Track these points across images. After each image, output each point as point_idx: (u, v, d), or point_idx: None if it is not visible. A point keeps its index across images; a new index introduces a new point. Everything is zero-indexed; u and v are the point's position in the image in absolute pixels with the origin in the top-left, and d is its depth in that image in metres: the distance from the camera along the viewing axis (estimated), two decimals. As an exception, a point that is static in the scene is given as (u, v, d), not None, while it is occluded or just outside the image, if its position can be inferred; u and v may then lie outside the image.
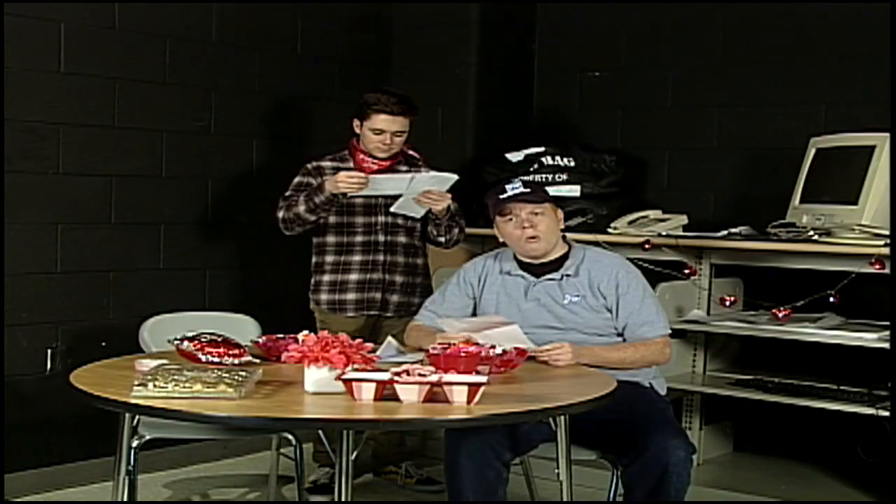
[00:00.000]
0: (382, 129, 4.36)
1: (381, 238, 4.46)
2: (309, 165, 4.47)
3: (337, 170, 4.36)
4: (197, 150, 5.01)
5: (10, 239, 4.41)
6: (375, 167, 4.41)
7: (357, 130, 4.43)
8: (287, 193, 4.42)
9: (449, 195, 4.32)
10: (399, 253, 4.49)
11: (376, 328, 4.46)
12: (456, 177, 4.29)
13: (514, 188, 3.69)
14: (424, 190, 4.26)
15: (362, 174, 4.23)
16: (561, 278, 3.68)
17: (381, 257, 4.46)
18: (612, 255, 3.82)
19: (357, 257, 4.45)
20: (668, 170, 5.39)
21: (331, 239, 4.46)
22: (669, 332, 3.70)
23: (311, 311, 4.55)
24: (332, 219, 4.42)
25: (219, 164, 5.09)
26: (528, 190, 3.71)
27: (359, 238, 4.44)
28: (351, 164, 4.43)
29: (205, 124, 5.03)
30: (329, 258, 4.47)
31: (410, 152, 4.56)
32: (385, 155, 4.42)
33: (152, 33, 4.80)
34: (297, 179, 4.46)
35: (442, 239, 4.50)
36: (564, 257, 3.73)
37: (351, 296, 4.45)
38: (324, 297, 4.48)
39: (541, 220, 3.67)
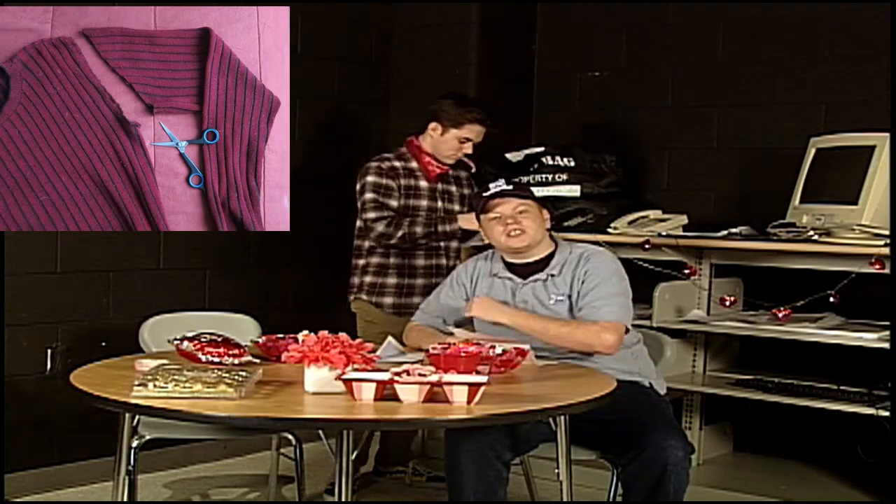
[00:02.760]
0: (469, 139, 4.43)
1: (443, 242, 4.50)
2: (383, 165, 4.38)
3: (407, 170, 4.40)
4: (197, 150, 5.01)
5: (10, 239, 4.41)
6: (438, 171, 4.48)
7: (434, 134, 4.44)
8: (369, 196, 4.33)
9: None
10: (452, 257, 4.56)
11: None
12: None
13: (498, 185, 3.68)
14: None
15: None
16: (546, 278, 3.64)
17: (443, 262, 4.51)
18: (601, 252, 3.71)
19: (420, 261, 4.48)
20: (668, 170, 5.39)
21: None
22: (622, 322, 3.48)
23: (352, 311, 4.53)
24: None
25: (219, 164, 5.08)
26: (511, 187, 3.70)
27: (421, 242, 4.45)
28: (415, 165, 4.45)
29: (205, 124, 5.02)
30: (392, 259, 4.46)
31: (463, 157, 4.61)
32: (454, 161, 4.49)
33: (152, 33, 4.79)
34: (372, 180, 4.35)
35: None
36: (550, 256, 3.68)
37: (417, 300, 4.42)
38: (388, 300, 4.46)
39: (525, 217, 3.64)
